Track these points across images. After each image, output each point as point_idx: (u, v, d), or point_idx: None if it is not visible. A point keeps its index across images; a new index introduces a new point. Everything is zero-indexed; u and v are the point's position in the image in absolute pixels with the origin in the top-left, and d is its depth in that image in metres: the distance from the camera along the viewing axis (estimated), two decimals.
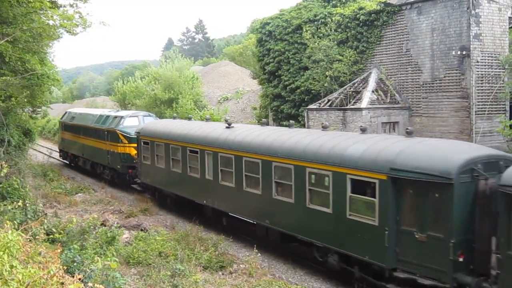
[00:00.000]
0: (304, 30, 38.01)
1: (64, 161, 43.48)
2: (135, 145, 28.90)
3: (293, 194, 16.97)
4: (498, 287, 11.53)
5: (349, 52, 35.13)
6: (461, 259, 12.22)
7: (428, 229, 12.80)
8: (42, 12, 18.36)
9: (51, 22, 19.38)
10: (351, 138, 16.07)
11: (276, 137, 18.59)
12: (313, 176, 16.07)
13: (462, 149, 13.83)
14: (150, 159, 26.61)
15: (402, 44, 32.70)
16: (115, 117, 33.43)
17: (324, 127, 18.79)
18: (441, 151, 13.47)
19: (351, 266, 15.39)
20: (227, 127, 21.99)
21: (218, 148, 21.06)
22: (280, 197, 17.62)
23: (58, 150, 46.19)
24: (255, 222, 19.63)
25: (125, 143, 30.89)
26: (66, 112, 45.81)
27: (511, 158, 13.48)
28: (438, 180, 12.49)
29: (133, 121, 31.94)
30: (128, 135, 30.67)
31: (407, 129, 15.85)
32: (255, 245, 17.97)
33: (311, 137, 17.30)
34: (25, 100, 22.55)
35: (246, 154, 19.29)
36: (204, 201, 22.32)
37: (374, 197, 13.92)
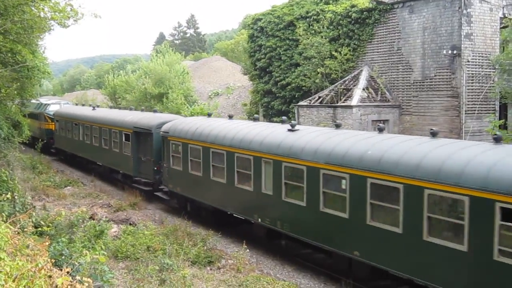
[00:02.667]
0: (298, 26, 38.03)
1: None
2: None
3: (118, 147, 29.38)
4: (163, 179, 24.68)
5: (344, 50, 35.18)
6: (156, 169, 25.31)
7: (146, 155, 26.47)
8: (33, 4, 18.22)
9: (42, 14, 19.24)
10: (134, 113, 30.52)
11: (113, 115, 31.86)
12: (124, 134, 28.67)
13: (162, 117, 27.33)
14: (60, 131, 40.00)
15: (394, 42, 32.81)
16: (45, 104, 47.28)
17: (115, 107, 35.65)
18: (152, 118, 26.88)
19: (129, 180, 28.34)
20: (92, 110, 36.76)
21: (87, 121, 34.28)
22: (115, 150, 29.91)
23: None
24: (114, 168, 30.81)
25: (49, 122, 43.73)
26: None
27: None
28: (147, 132, 26.12)
29: (55, 107, 45.23)
30: (51, 116, 43.37)
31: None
32: (244, 241, 18.01)
33: (122, 114, 31.10)
34: (15, 92, 22.42)
35: (100, 125, 32.20)
36: (85, 156, 35.07)
37: (129, 141, 27.69)
